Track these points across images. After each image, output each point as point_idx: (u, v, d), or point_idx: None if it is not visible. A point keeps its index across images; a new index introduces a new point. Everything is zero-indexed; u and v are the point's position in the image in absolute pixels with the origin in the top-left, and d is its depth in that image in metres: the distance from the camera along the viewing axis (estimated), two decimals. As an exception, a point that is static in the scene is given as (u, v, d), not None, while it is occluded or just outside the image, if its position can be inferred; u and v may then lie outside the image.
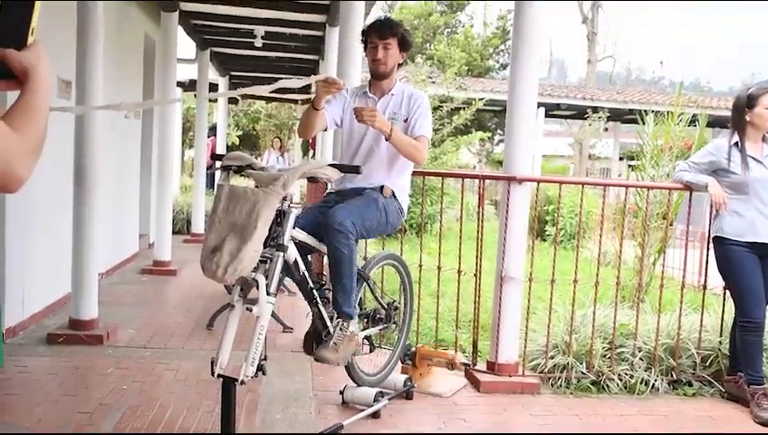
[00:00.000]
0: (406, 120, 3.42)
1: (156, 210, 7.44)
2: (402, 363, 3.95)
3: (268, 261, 2.84)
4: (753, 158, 3.95)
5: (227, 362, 2.74)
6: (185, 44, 9.79)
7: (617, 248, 4.92)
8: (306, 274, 3.16)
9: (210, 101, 14.51)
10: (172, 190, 8.18)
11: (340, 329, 3.18)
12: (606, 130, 21.56)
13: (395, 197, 3.43)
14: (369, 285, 3.50)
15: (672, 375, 4.16)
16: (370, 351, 3.66)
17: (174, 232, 8.38)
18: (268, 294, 2.78)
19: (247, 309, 2.80)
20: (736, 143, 3.99)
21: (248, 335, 2.79)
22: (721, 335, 4.26)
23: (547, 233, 11.46)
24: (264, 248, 2.77)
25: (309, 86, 3.20)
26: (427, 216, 10.87)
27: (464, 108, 12.60)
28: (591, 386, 4.04)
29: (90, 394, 3.57)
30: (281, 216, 2.87)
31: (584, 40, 28.86)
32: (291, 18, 8.15)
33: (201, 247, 2.77)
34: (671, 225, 5.67)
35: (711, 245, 4.13)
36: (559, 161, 27.86)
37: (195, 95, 11.73)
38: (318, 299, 3.22)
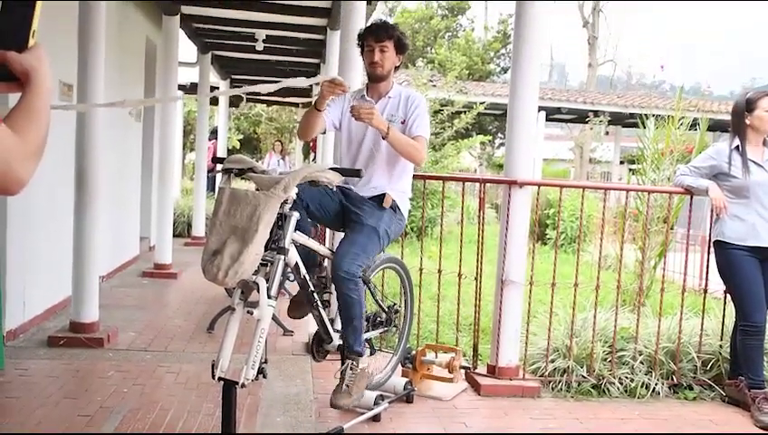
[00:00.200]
0: (403, 122, 3.42)
1: (157, 213, 7.45)
2: (402, 367, 3.95)
3: (269, 264, 2.84)
4: (753, 162, 3.95)
5: (228, 365, 2.74)
6: (186, 48, 9.80)
7: (617, 252, 4.91)
8: (307, 277, 3.16)
9: (211, 103, 14.52)
10: (173, 193, 8.19)
11: (351, 369, 3.24)
12: (607, 133, 21.57)
13: (395, 208, 3.43)
14: (369, 289, 3.50)
15: (673, 379, 4.15)
16: (371, 354, 3.67)
17: (175, 235, 8.37)
18: (269, 297, 2.78)
19: (248, 312, 2.80)
20: (737, 147, 3.99)
21: (249, 338, 2.79)
22: (722, 339, 4.26)
23: (548, 236, 11.46)
24: (265, 251, 2.77)
25: (310, 89, 3.21)
26: (428, 219, 10.87)
27: (464, 112, 12.61)
28: (592, 390, 4.04)
29: (90, 397, 3.57)
30: (282, 219, 2.87)
31: (585, 44, 28.90)
32: (292, 22, 8.17)
33: (202, 250, 2.77)
34: (672, 229, 5.67)
35: (712, 249, 4.13)
36: (560, 165, 27.86)
37: (196, 99, 11.73)
38: (319, 302, 3.22)
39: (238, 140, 19.93)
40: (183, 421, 3.29)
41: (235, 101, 16.33)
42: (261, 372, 2.75)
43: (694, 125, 6.45)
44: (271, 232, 2.79)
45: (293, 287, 3.45)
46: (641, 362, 4.12)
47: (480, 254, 4.17)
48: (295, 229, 2.96)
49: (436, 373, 3.94)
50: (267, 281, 2.80)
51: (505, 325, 4.03)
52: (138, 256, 8.14)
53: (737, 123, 4.02)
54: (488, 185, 4.45)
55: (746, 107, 3.98)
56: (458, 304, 4.35)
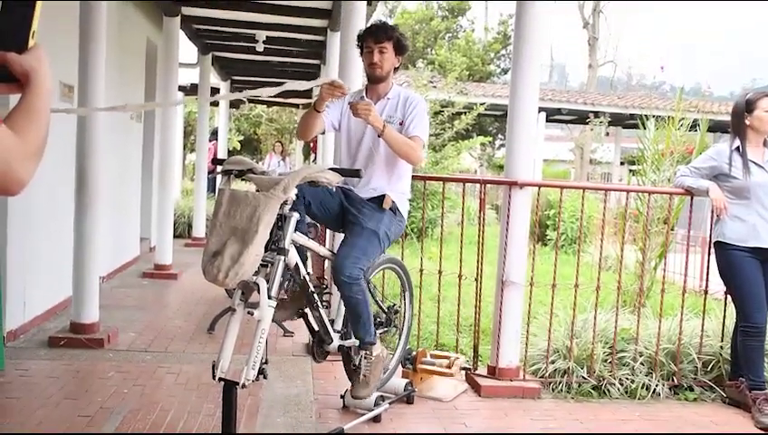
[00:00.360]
0: (401, 123, 3.42)
1: (157, 214, 7.45)
2: (403, 368, 3.95)
3: (269, 265, 2.84)
4: (754, 162, 3.95)
5: (228, 366, 2.74)
6: (186, 49, 9.81)
7: (618, 253, 4.91)
8: (307, 277, 3.17)
9: (211, 104, 14.53)
10: (173, 194, 8.19)
11: (365, 358, 3.32)
12: (607, 134, 21.57)
13: (394, 210, 3.43)
14: (369, 289, 3.50)
15: (673, 380, 4.15)
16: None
17: (175, 236, 8.37)
18: (269, 297, 2.78)
19: (248, 313, 2.80)
20: (737, 148, 3.99)
21: (249, 339, 2.79)
22: (722, 340, 4.26)
23: (548, 237, 11.46)
24: (265, 252, 2.78)
25: (310, 91, 3.21)
26: (429, 220, 10.87)
27: (465, 113, 12.61)
28: (592, 391, 4.04)
29: (90, 398, 3.57)
30: (281, 220, 2.87)
31: (585, 45, 28.90)
32: (292, 23, 8.17)
33: (202, 251, 2.77)
34: (672, 229, 5.67)
35: (712, 249, 4.13)
36: (560, 166, 27.87)
37: (197, 99, 11.74)
38: (319, 303, 3.22)
39: (239, 141, 19.93)
40: (183, 422, 3.29)
41: (235, 103, 16.35)
42: (261, 372, 2.75)
43: (694, 126, 6.45)
44: (271, 233, 2.79)
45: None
46: (642, 364, 4.12)
47: (480, 255, 4.17)
48: (295, 230, 2.96)
49: (435, 368, 3.94)
50: (267, 282, 2.80)
51: (506, 326, 4.03)
52: (138, 256, 8.14)
53: (737, 124, 4.02)
54: (488, 186, 4.45)
55: (746, 108, 3.98)
56: (459, 305, 4.36)
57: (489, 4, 29.74)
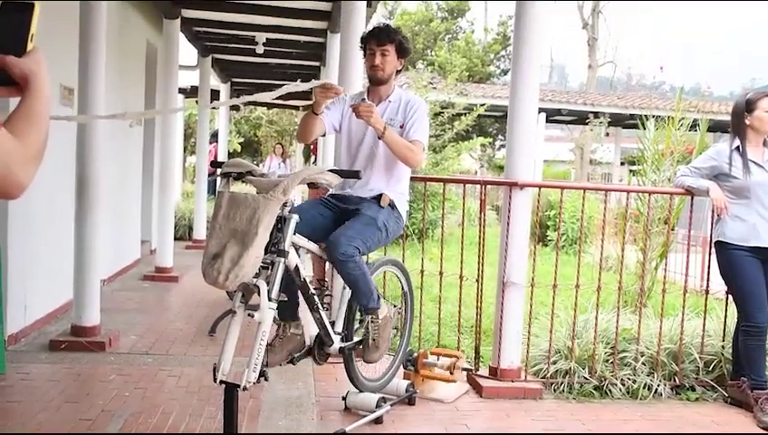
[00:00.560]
0: (402, 126, 3.42)
1: (158, 216, 7.45)
2: (404, 369, 3.94)
3: (269, 267, 2.84)
4: (754, 162, 3.95)
5: (229, 369, 2.74)
6: (186, 51, 9.81)
7: (618, 253, 4.91)
8: (307, 279, 3.16)
9: (212, 108, 14.53)
10: (174, 197, 8.20)
11: (372, 322, 3.34)
12: (607, 135, 21.58)
13: (393, 206, 3.43)
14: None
15: (675, 380, 4.15)
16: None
17: (176, 238, 8.37)
18: (269, 299, 2.78)
19: (249, 315, 2.80)
20: (737, 148, 3.99)
21: (250, 341, 2.79)
22: (724, 340, 4.25)
23: (549, 238, 11.45)
24: (265, 254, 2.77)
25: (310, 92, 3.21)
26: (429, 221, 10.87)
27: (465, 114, 12.61)
28: (594, 391, 4.03)
29: (92, 401, 3.56)
30: (281, 221, 2.87)
31: (585, 45, 28.91)
32: (292, 25, 8.18)
33: (203, 254, 2.77)
34: (673, 229, 5.67)
35: (713, 249, 4.13)
36: (560, 166, 27.86)
37: (197, 102, 11.75)
38: (319, 305, 3.22)
39: (239, 144, 19.95)
40: (185, 425, 3.28)
41: (235, 105, 16.35)
42: (262, 374, 2.75)
43: (694, 126, 6.45)
44: (271, 235, 2.79)
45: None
46: (643, 364, 4.12)
47: (481, 256, 4.17)
48: (294, 232, 2.96)
49: (437, 374, 3.94)
50: (268, 284, 2.80)
51: (507, 327, 4.02)
52: (139, 259, 8.14)
53: (737, 124, 4.02)
54: (489, 187, 4.45)
55: (746, 107, 3.98)
56: (460, 307, 4.35)
57: (489, 5, 29.71)
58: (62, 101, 5.08)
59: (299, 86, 2.58)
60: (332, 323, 3.39)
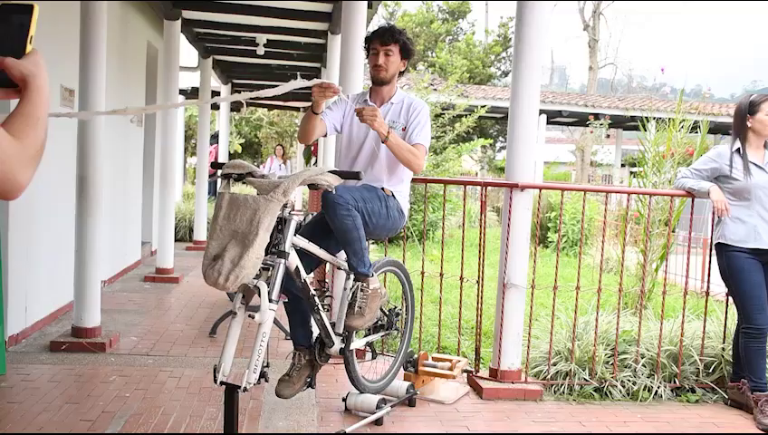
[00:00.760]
0: (404, 129, 3.42)
1: (158, 218, 7.46)
2: (404, 370, 3.95)
3: (270, 268, 2.84)
4: (754, 164, 3.95)
5: (230, 370, 2.74)
6: (187, 53, 9.83)
7: (619, 255, 4.91)
8: (307, 281, 3.16)
9: (212, 108, 14.54)
10: (174, 198, 8.20)
11: (362, 290, 3.24)
12: (608, 136, 21.57)
13: (394, 197, 3.44)
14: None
15: (675, 382, 4.15)
16: (372, 358, 3.67)
17: (176, 239, 8.39)
18: (270, 301, 2.78)
19: (249, 316, 2.80)
20: (738, 149, 3.99)
21: (251, 342, 2.79)
22: (724, 342, 4.25)
23: (549, 240, 11.46)
24: (266, 256, 2.78)
25: (311, 93, 3.21)
26: (430, 223, 10.87)
27: (465, 115, 12.61)
28: (594, 393, 4.03)
29: (92, 402, 3.57)
30: (282, 223, 2.87)
31: (585, 47, 28.93)
32: (293, 26, 8.19)
33: (203, 255, 2.77)
34: (673, 231, 5.67)
35: (713, 251, 4.13)
36: (561, 168, 27.87)
37: (197, 101, 11.75)
38: (320, 306, 3.22)
39: (240, 145, 19.97)
40: (185, 426, 3.28)
41: (236, 106, 16.36)
42: (263, 375, 2.75)
43: (695, 128, 6.45)
44: (271, 236, 2.79)
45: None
46: (643, 365, 4.12)
47: (482, 257, 4.17)
48: (295, 233, 2.96)
49: (437, 371, 3.94)
50: (268, 285, 2.80)
51: (507, 329, 4.03)
52: (139, 260, 8.15)
53: (739, 125, 4.02)
54: (489, 188, 4.45)
55: (749, 109, 3.98)
56: (460, 308, 4.35)
57: (490, 6, 29.76)
58: (63, 102, 5.09)
59: (299, 83, 2.58)
60: (333, 325, 3.39)
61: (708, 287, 4.38)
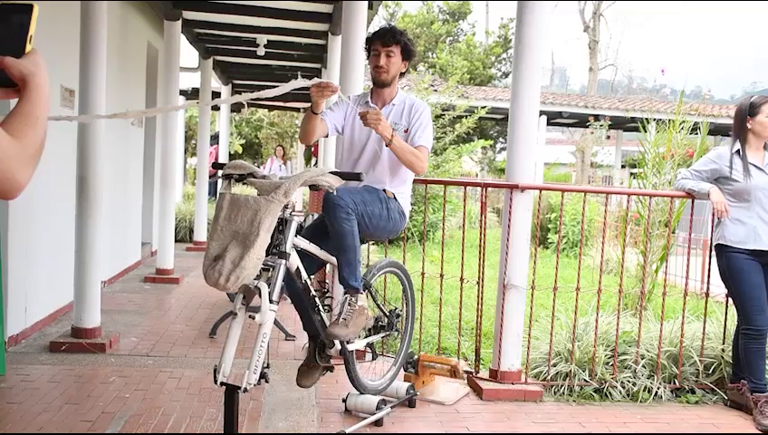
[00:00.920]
0: (406, 131, 3.42)
1: (158, 218, 7.46)
2: (404, 371, 3.95)
3: (270, 269, 2.84)
4: (754, 165, 3.95)
5: (230, 370, 2.74)
6: (188, 53, 9.83)
7: (619, 256, 4.91)
8: (308, 282, 3.16)
9: (212, 108, 14.54)
10: (175, 198, 8.21)
11: (349, 304, 3.19)
12: (608, 137, 21.58)
13: (395, 199, 3.44)
14: (370, 293, 3.50)
15: (675, 383, 4.15)
16: (373, 359, 3.67)
17: (177, 240, 8.38)
18: (270, 301, 2.78)
19: (250, 317, 2.80)
20: (738, 151, 4.00)
21: (251, 343, 2.79)
22: (724, 343, 4.25)
23: (549, 241, 11.46)
24: (267, 256, 2.78)
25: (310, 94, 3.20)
26: (430, 224, 10.87)
27: (466, 116, 12.62)
28: (594, 394, 4.04)
29: (92, 403, 3.57)
30: (282, 223, 2.87)
31: (586, 49, 28.95)
32: (293, 27, 8.19)
33: (204, 256, 2.77)
34: (673, 232, 5.67)
35: (713, 252, 4.13)
36: (561, 169, 27.86)
37: (197, 103, 11.76)
38: (320, 307, 3.22)
39: (240, 145, 19.97)
40: (185, 426, 3.28)
41: (236, 107, 16.37)
42: (263, 376, 2.75)
43: (695, 129, 6.45)
44: (272, 237, 2.79)
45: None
46: (643, 366, 4.12)
47: (482, 258, 4.17)
48: (296, 234, 2.96)
49: (438, 369, 3.94)
50: (269, 286, 2.80)
51: (507, 330, 4.03)
52: (140, 261, 8.15)
53: (739, 127, 4.02)
54: (490, 189, 4.45)
55: (749, 111, 3.98)
56: (460, 309, 4.35)
57: (490, 6, 29.79)
58: (63, 102, 5.09)
59: (299, 83, 2.58)
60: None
61: (708, 288, 4.38)
